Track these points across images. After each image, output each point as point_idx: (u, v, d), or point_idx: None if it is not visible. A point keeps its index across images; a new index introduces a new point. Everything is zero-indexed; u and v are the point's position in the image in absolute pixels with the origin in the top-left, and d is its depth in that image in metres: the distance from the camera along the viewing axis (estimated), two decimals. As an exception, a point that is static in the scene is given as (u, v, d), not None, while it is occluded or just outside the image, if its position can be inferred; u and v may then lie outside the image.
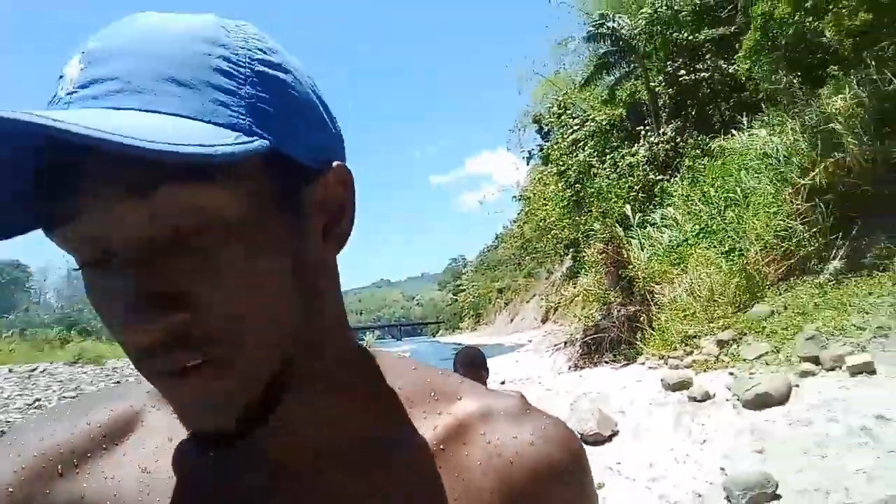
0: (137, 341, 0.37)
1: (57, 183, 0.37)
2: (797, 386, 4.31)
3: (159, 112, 0.35)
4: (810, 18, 8.02)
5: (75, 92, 0.36)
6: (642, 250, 9.19)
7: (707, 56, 13.99)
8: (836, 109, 6.35)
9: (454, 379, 0.54)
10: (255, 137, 0.37)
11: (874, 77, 6.57)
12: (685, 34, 13.92)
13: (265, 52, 0.41)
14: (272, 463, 0.47)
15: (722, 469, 3.31)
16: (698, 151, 11.51)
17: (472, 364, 2.39)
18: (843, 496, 2.46)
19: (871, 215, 6.04)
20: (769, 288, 6.53)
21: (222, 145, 0.35)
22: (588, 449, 4.54)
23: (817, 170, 6.33)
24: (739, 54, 9.86)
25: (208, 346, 0.38)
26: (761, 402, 4.18)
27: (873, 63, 6.69)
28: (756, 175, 7.35)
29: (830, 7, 7.33)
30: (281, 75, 0.41)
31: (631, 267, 8.90)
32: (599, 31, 15.46)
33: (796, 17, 8.08)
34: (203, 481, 0.47)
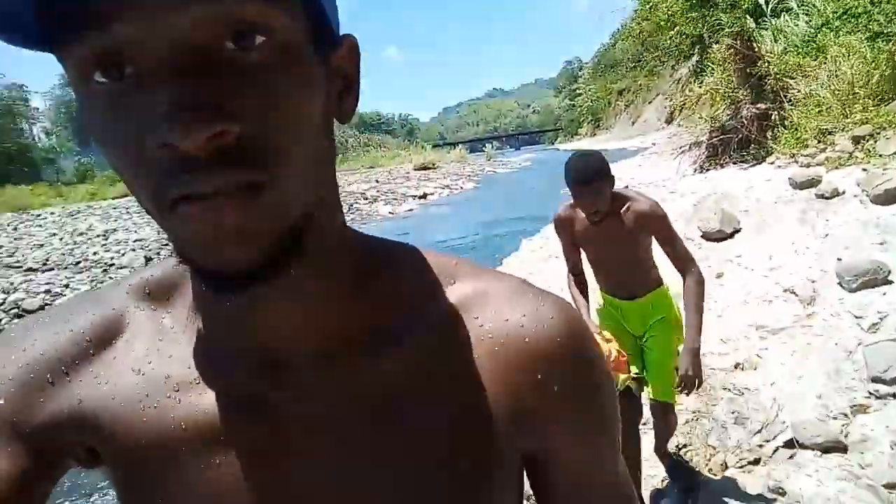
0: (187, 144, 0.33)
1: None
2: (931, 179, 4.34)
3: None
4: None
5: None
6: (776, 42, 8.61)
7: None
8: None
9: (449, 261, 0.53)
10: None
11: None
12: None
13: None
14: (269, 349, 0.47)
15: (839, 259, 3.62)
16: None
17: (598, 173, 1.96)
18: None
19: None
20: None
21: None
22: (711, 245, 5.01)
23: None
24: None
25: (253, 167, 0.36)
26: (891, 196, 4.29)
27: None
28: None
29: None
30: None
31: (762, 62, 8.44)
32: None
33: None
34: (198, 380, 0.47)
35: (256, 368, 0.47)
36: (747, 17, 9.38)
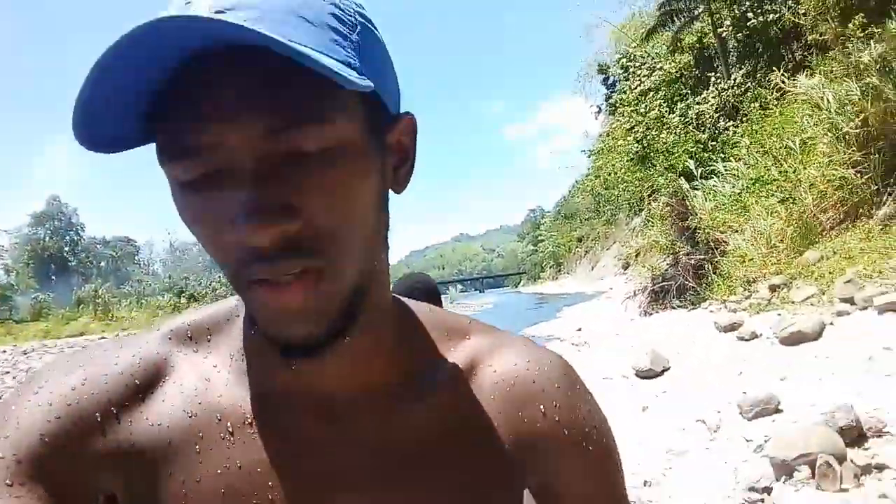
0: (256, 242, 0.39)
1: (190, 95, 0.39)
2: (831, 324, 4.92)
3: (299, 43, 0.37)
4: None
5: (222, 12, 0.37)
6: (706, 201, 9.65)
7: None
8: (874, 58, 6.61)
9: (464, 319, 0.60)
10: (365, 77, 0.40)
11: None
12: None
13: (362, 8, 0.45)
14: (320, 395, 0.51)
15: (744, 393, 4.05)
16: (761, 101, 11.59)
17: (425, 293, 2.04)
18: (828, 408, 3.18)
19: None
20: (823, 234, 6.97)
21: (354, 77, 0.38)
22: (642, 381, 5.42)
23: (862, 116, 6.65)
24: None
25: (315, 255, 0.41)
26: (796, 339, 4.83)
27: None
28: (812, 124, 7.67)
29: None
30: (373, 29, 0.45)
31: (695, 218, 9.40)
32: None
33: None
34: (252, 419, 0.50)
35: (305, 411, 0.50)
36: (681, 178, 10.53)
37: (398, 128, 0.49)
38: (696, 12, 15.90)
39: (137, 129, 0.41)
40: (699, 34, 16.23)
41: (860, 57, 6.85)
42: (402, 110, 0.51)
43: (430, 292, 2.16)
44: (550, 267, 61.23)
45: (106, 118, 0.39)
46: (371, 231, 0.46)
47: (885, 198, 6.51)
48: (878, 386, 3.53)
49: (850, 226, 6.76)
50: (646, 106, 13.75)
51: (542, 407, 0.54)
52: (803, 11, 9.57)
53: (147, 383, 0.50)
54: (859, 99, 6.73)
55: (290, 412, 0.50)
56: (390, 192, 0.50)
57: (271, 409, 0.50)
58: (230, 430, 0.49)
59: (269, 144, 0.39)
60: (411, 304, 0.58)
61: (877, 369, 3.77)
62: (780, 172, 7.86)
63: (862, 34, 7.67)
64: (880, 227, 6.27)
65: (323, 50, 0.39)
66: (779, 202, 7.60)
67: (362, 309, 0.46)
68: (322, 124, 0.40)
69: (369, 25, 0.45)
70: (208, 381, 0.51)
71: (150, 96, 0.39)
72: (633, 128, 12.86)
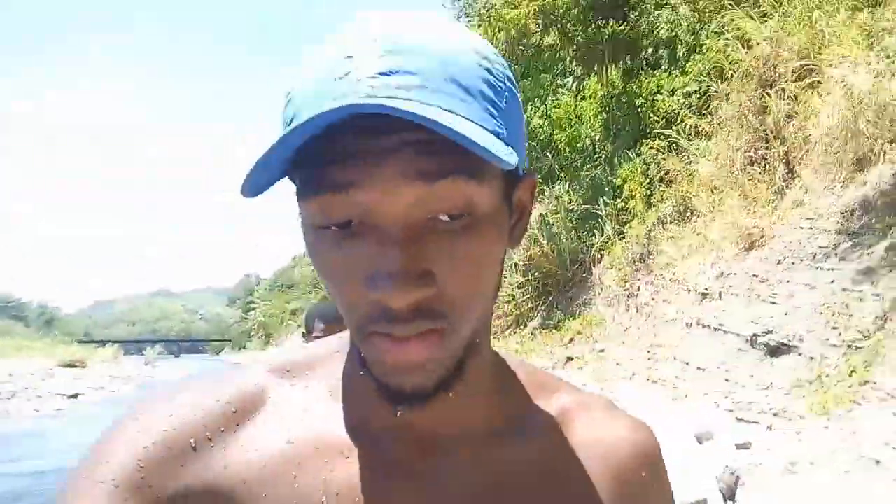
0: (395, 305, 0.40)
1: (346, 151, 0.40)
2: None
3: (455, 113, 0.39)
4: (556, 130, 11.01)
5: (378, 77, 0.39)
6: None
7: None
8: (536, 218, 9.33)
9: (553, 375, 0.62)
10: (510, 148, 0.41)
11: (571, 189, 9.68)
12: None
13: (509, 71, 0.46)
14: (419, 433, 0.51)
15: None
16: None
17: (335, 318, 2.20)
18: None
19: (561, 291, 9.00)
20: (497, 336, 9.20)
21: (503, 154, 0.39)
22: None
23: (527, 253, 9.20)
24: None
25: (441, 319, 0.42)
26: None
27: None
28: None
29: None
30: (517, 92, 0.47)
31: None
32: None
33: (545, 129, 11.03)
34: (350, 450, 0.50)
35: (404, 447, 0.51)
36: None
37: (523, 186, 0.49)
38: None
39: (279, 171, 0.42)
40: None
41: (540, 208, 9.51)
42: None
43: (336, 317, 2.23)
44: (259, 337, 60.06)
45: (263, 172, 0.41)
46: (492, 293, 0.48)
47: (536, 313, 8.98)
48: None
49: (515, 331, 9.08)
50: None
51: (643, 476, 0.56)
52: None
53: (244, 412, 0.51)
54: (525, 240, 9.29)
55: (388, 445, 0.51)
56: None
57: (370, 441, 0.51)
58: (328, 458, 0.49)
59: (417, 211, 0.41)
60: (504, 355, 0.59)
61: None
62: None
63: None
64: (531, 334, 8.64)
65: (477, 121, 0.40)
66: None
67: (470, 363, 0.47)
68: (472, 184, 0.41)
69: (514, 88, 0.46)
70: (306, 412, 0.51)
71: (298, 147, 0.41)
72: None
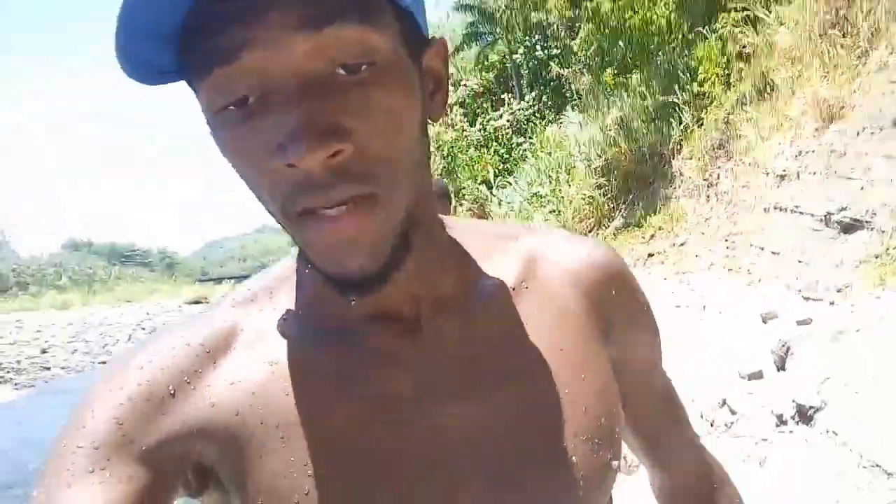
0: (305, 164, 0.38)
1: (225, 16, 0.38)
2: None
3: None
4: (629, 13, 10.58)
5: None
6: (500, 207, 11.87)
7: (561, 34, 16.55)
8: (618, 115, 9.14)
9: (507, 225, 0.66)
10: None
11: (651, 82, 9.39)
12: (541, 14, 16.39)
13: None
14: (393, 315, 0.51)
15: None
16: (546, 122, 14.20)
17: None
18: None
19: (641, 188, 8.95)
20: (578, 237, 9.37)
21: None
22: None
23: (607, 154, 9.13)
24: (577, 40, 12.45)
25: (367, 181, 0.40)
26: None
27: (655, 70, 9.51)
28: (571, 155, 10.11)
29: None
30: None
31: (492, 218, 11.55)
32: (466, 3, 17.73)
33: (617, 14, 10.60)
34: (328, 357, 0.51)
35: (386, 328, 0.51)
36: (482, 186, 12.69)
37: (431, 52, 0.48)
38: (496, 36, 18.36)
39: (174, 62, 0.41)
40: (501, 55, 18.74)
41: (607, 112, 9.34)
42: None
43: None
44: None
45: (145, 48, 0.39)
46: (419, 155, 0.46)
47: (616, 213, 9.01)
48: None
49: (596, 233, 9.18)
50: (452, 118, 15.74)
51: (613, 292, 0.58)
52: (571, 61, 12.13)
53: (218, 349, 0.50)
54: (601, 143, 9.19)
55: (371, 335, 0.51)
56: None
57: (351, 339, 0.51)
58: (310, 372, 0.49)
59: (311, 63, 0.39)
60: (453, 220, 0.58)
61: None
62: (551, 191, 10.20)
63: (612, 83, 10.25)
64: (612, 234, 8.72)
65: None
66: (549, 212, 9.92)
67: (415, 236, 0.46)
68: (366, 27, 0.39)
69: None
70: (280, 333, 0.51)
71: (181, 28, 0.39)
72: (439, 140, 14.76)
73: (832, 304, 3.74)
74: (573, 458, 0.52)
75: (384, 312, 0.51)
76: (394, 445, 0.49)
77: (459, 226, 0.59)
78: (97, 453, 0.45)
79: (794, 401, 2.75)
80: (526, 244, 0.60)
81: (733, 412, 3.18)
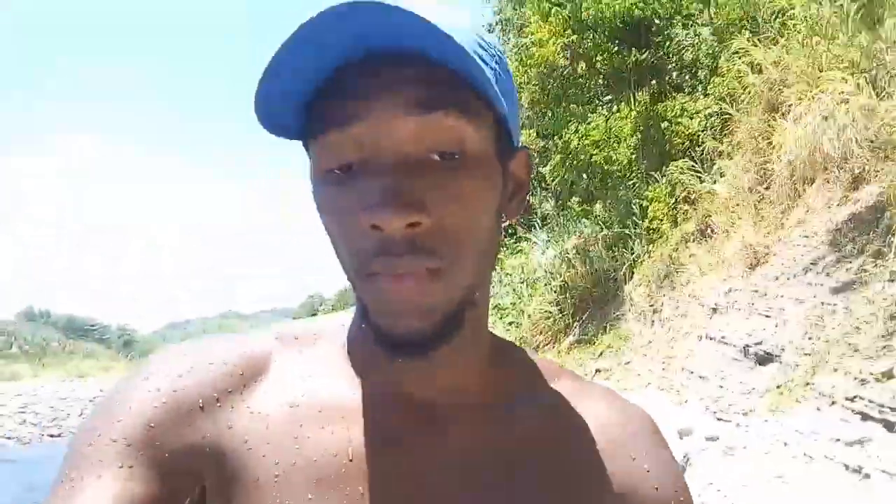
0: (390, 228, 0.42)
1: (349, 91, 0.44)
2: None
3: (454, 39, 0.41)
4: (595, 150, 11.67)
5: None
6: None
7: (534, 161, 17.78)
8: (578, 241, 9.99)
9: (553, 362, 0.64)
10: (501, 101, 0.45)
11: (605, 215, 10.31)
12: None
13: (501, 51, 0.51)
14: (420, 400, 0.53)
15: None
16: (516, 238, 15.06)
17: None
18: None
19: (595, 308, 9.62)
20: (538, 349, 9.88)
21: (495, 89, 0.44)
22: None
23: (566, 275, 9.87)
24: (547, 168, 13.55)
25: (436, 255, 0.44)
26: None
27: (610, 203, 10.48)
28: (534, 272, 10.85)
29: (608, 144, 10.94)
30: (507, 65, 0.51)
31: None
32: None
33: (585, 150, 11.68)
34: (350, 414, 0.52)
35: (403, 413, 0.53)
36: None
37: (518, 159, 0.53)
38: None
39: (302, 125, 0.47)
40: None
41: (569, 236, 10.22)
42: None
43: None
44: (325, 355, 61.70)
45: (282, 110, 0.45)
46: (487, 245, 0.50)
47: (570, 330, 9.62)
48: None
49: (550, 347, 9.73)
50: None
51: (633, 457, 0.56)
52: (541, 186, 13.19)
53: (250, 376, 0.52)
54: (561, 264, 9.97)
55: (389, 411, 0.52)
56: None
57: (371, 406, 0.52)
58: (329, 421, 0.51)
59: (411, 142, 0.44)
60: (508, 343, 0.62)
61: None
62: (511, 304, 10.85)
63: (577, 212, 11.18)
64: (567, 349, 9.27)
65: (472, 56, 0.42)
66: (508, 324, 10.49)
67: (468, 317, 0.48)
68: (462, 120, 0.44)
69: (503, 59, 0.50)
70: (311, 378, 0.53)
71: (314, 94, 0.45)
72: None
73: (738, 425, 4.27)
74: None
75: (405, 390, 0.54)
76: None
77: (515, 347, 0.63)
78: (129, 450, 0.47)
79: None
80: (568, 385, 0.61)
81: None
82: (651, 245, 9.26)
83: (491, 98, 0.45)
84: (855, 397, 3.29)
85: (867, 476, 2.82)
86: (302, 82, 0.44)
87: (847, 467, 2.96)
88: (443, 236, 0.45)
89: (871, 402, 3.17)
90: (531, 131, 13.37)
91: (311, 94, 0.46)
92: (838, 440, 3.11)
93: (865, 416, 3.13)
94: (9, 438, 10.47)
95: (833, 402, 3.45)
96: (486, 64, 0.46)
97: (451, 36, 0.40)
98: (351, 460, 0.50)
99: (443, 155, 0.45)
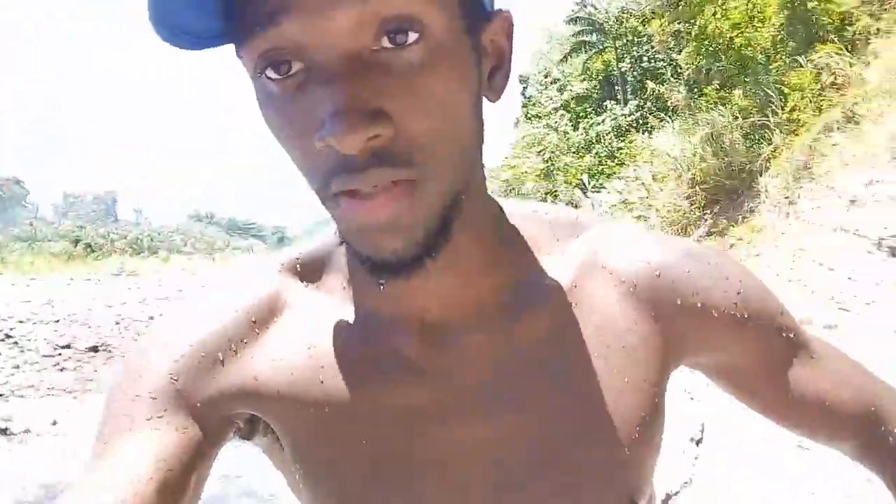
0: (346, 148, 0.37)
1: None
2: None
3: None
4: (736, 32, 11.10)
5: None
6: (593, 209, 12.70)
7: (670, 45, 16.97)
8: (711, 131, 9.81)
9: (571, 214, 0.58)
10: None
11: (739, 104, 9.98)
12: (649, 26, 16.90)
13: None
14: (427, 318, 0.50)
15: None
16: (647, 129, 14.79)
17: None
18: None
19: (728, 200, 9.59)
20: (664, 243, 10.12)
21: None
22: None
23: (699, 167, 9.84)
24: (682, 55, 13.00)
25: (408, 166, 0.39)
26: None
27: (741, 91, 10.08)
28: (665, 164, 10.84)
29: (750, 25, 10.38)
30: None
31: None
32: (577, 16, 18.56)
33: (724, 34, 11.14)
34: (366, 351, 0.51)
35: (414, 334, 0.51)
36: (577, 190, 13.53)
37: (494, 26, 0.46)
38: (603, 46, 19.03)
39: (216, 27, 0.40)
40: (606, 63, 19.37)
41: (696, 131, 10.04)
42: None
43: None
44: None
45: (182, 11, 0.37)
46: (468, 142, 0.44)
47: (702, 222, 9.70)
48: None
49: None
50: (555, 121, 16.59)
51: (678, 301, 0.52)
52: (674, 74, 12.74)
53: (263, 320, 0.52)
54: (693, 156, 9.89)
55: (400, 339, 0.51)
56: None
57: (381, 338, 0.51)
58: (346, 362, 0.51)
59: (355, 36, 0.37)
60: (512, 204, 0.56)
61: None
62: (640, 198, 10.99)
63: (714, 99, 10.85)
64: (696, 240, 9.44)
65: None
66: (636, 217, 10.72)
67: (456, 225, 0.44)
68: (416, 9, 0.38)
69: None
70: (321, 315, 0.53)
71: None
72: (541, 143, 15.70)
73: (858, 314, 4.52)
74: (587, 490, 0.50)
75: (410, 313, 0.51)
76: (409, 455, 0.50)
77: (524, 211, 0.57)
78: (155, 403, 0.48)
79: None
80: (590, 239, 0.56)
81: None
82: (791, 135, 8.93)
83: None
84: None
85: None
86: None
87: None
88: (411, 142, 0.39)
89: None
90: (663, 16, 12.77)
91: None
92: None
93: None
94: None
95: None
96: None
97: None
98: (378, 400, 0.50)
99: (395, 40, 0.38)
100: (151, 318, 11.41)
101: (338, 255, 0.55)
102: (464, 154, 0.44)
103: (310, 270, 0.56)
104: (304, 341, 0.52)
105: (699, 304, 0.54)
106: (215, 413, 0.50)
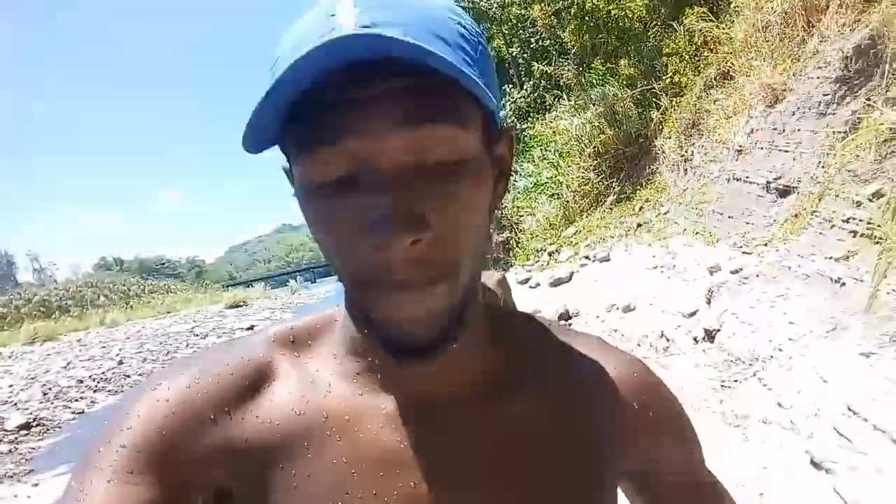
0: (392, 250, 0.42)
1: (337, 103, 0.41)
2: (577, 272, 8.28)
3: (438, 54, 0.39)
4: (612, 5, 11.62)
5: (367, 27, 0.40)
6: (509, 193, 13.03)
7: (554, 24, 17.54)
8: (605, 103, 10.30)
9: (545, 321, 0.63)
10: (489, 94, 0.43)
11: (633, 72, 10.51)
12: (531, 10, 17.42)
13: (481, 33, 0.49)
14: (421, 395, 0.54)
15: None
16: (545, 108, 15.28)
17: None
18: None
19: (630, 166, 10.11)
20: (579, 216, 10.55)
21: (484, 93, 0.42)
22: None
23: (598, 139, 10.30)
24: (566, 34, 13.51)
25: (441, 265, 0.44)
26: (557, 282, 8.13)
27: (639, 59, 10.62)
28: (567, 142, 11.28)
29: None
30: (486, 48, 0.49)
31: (501, 205, 12.71)
32: (462, 5, 18.85)
33: (601, 8, 11.64)
34: (355, 419, 0.52)
35: (407, 410, 0.53)
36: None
37: (503, 142, 0.52)
38: (490, 33, 19.42)
39: (276, 132, 0.45)
40: (497, 49, 19.76)
41: (589, 106, 10.52)
42: None
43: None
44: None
45: (260, 127, 0.43)
46: (484, 239, 0.49)
47: (610, 190, 10.19)
48: (586, 296, 6.82)
49: (592, 210, 10.36)
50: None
51: (636, 405, 0.59)
52: (561, 53, 13.23)
53: (254, 384, 0.54)
54: (591, 130, 10.36)
55: (393, 412, 0.53)
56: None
57: (374, 410, 0.53)
58: (336, 428, 0.52)
59: (405, 156, 0.43)
60: (496, 307, 0.62)
61: (595, 289, 7.10)
62: (551, 178, 11.41)
63: (602, 71, 11.37)
64: (608, 209, 9.90)
65: (460, 66, 0.41)
66: (549, 196, 11.12)
67: (468, 311, 0.49)
68: (456, 128, 0.43)
69: (484, 44, 0.49)
70: (312, 383, 0.54)
71: (290, 105, 0.43)
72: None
73: (758, 255, 4.94)
74: None
75: (419, 390, 0.54)
76: None
77: (508, 315, 0.63)
78: (139, 457, 0.48)
79: (703, 328, 4.04)
80: (560, 345, 0.62)
81: (668, 339, 4.49)
82: (677, 97, 9.51)
83: (480, 97, 0.44)
84: (849, 219, 3.87)
85: (843, 284, 3.49)
86: (280, 94, 0.41)
87: (834, 280, 3.63)
88: (444, 246, 0.45)
89: (860, 220, 3.75)
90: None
91: (289, 105, 0.43)
92: (830, 257, 3.75)
93: (856, 234, 3.73)
94: (139, 375, 12.01)
95: (832, 226, 4.03)
96: (471, 59, 0.45)
97: (443, 56, 0.39)
98: (363, 466, 0.51)
99: (440, 163, 0.44)
100: (81, 381, 11.08)
101: (330, 330, 0.58)
102: (479, 248, 0.49)
103: (303, 342, 0.58)
104: (293, 406, 0.54)
105: (651, 414, 0.61)
106: (197, 473, 0.50)
